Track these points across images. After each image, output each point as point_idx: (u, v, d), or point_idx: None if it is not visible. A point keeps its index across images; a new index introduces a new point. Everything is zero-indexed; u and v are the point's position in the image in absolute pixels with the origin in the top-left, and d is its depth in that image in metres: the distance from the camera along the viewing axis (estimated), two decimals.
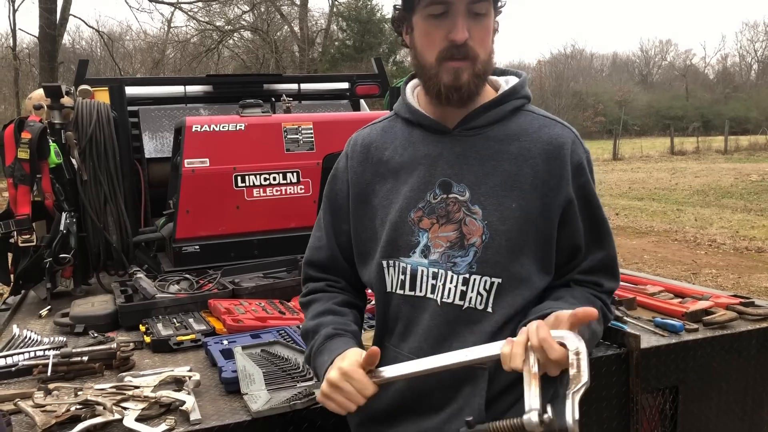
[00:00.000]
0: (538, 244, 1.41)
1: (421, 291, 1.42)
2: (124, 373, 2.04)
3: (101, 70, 26.32)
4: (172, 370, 2.01)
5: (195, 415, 1.73)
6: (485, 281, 1.38)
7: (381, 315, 1.52)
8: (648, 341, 2.14)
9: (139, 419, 1.69)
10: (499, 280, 1.38)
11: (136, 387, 1.86)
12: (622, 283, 2.84)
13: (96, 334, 2.44)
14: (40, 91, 3.41)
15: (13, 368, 2.08)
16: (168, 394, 1.81)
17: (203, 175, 3.25)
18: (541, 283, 1.44)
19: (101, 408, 1.73)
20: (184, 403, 1.76)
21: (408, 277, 1.43)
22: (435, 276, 1.40)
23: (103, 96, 3.60)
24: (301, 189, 3.44)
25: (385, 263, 1.46)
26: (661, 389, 2.18)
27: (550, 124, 1.47)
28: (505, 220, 1.38)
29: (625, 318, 2.35)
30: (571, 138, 1.45)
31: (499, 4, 1.43)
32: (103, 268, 3.33)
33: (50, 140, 3.09)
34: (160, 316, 2.60)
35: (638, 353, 2.06)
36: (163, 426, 1.65)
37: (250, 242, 3.37)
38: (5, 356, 2.16)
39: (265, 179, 3.38)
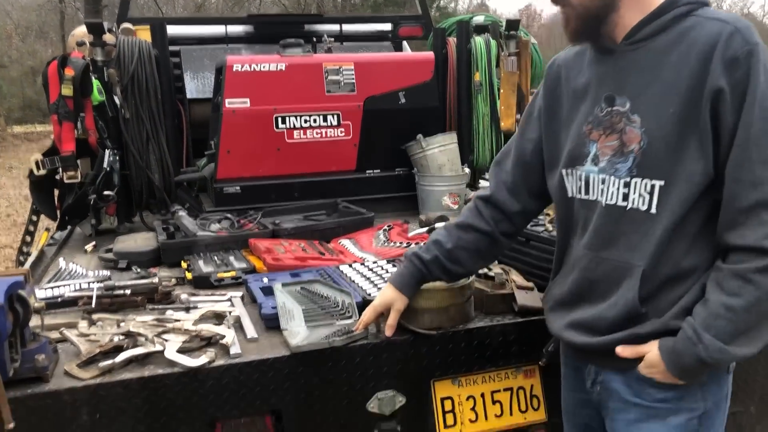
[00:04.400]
0: (700, 146, 1.44)
1: (593, 195, 1.59)
2: (169, 305, 2.07)
3: (143, 13, 26.32)
4: (213, 306, 2.04)
5: (235, 349, 1.74)
6: (646, 184, 1.49)
7: (563, 219, 1.71)
8: None
9: (179, 351, 1.71)
10: (661, 183, 1.46)
11: (177, 320, 1.88)
12: None
13: (139, 270, 2.48)
14: (83, 28, 3.40)
15: (59, 299, 2.13)
16: (208, 328, 1.83)
17: (244, 116, 3.23)
18: (705, 180, 1.45)
19: (143, 339, 1.76)
20: (224, 336, 1.78)
21: (583, 183, 1.61)
22: (603, 181, 1.56)
23: (145, 35, 3.58)
24: (341, 132, 3.39)
25: (564, 172, 1.66)
26: None
27: (709, 23, 1.46)
28: (663, 125, 1.45)
29: None
30: (727, 32, 1.41)
31: None
32: (145, 207, 3.38)
33: (93, 77, 3.10)
34: (202, 254, 2.63)
35: None
36: (203, 358, 1.67)
37: (290, 185, 3.37)
38: (52, 287, 2.22)
39: (306, 121, 3.34)
